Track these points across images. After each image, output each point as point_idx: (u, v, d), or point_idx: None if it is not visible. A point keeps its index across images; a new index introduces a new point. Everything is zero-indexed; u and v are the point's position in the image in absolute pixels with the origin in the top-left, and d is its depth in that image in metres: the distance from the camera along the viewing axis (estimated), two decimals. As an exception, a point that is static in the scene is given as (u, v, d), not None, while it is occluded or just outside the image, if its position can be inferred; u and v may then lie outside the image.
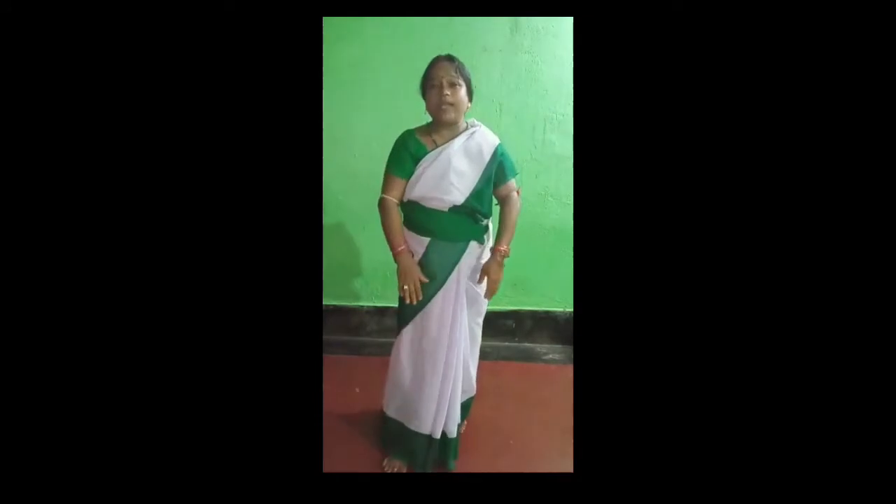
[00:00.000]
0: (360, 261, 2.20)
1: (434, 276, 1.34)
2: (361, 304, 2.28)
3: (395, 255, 1.34)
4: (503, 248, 1.38)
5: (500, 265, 1.39)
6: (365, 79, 1.99)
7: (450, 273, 1.35)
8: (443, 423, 1.43)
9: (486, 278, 1.39)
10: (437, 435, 1.43)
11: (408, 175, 1.31)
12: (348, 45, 1.95)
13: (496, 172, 1.35)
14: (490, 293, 1.40)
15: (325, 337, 2.14)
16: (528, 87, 2.04)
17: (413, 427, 1.44)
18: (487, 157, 1.33)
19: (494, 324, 2.29)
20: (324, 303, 2.21)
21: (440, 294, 1.36)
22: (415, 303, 1.34)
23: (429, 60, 1.31)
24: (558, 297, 2.27)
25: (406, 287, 1.33)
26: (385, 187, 1.33)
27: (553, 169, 2.12)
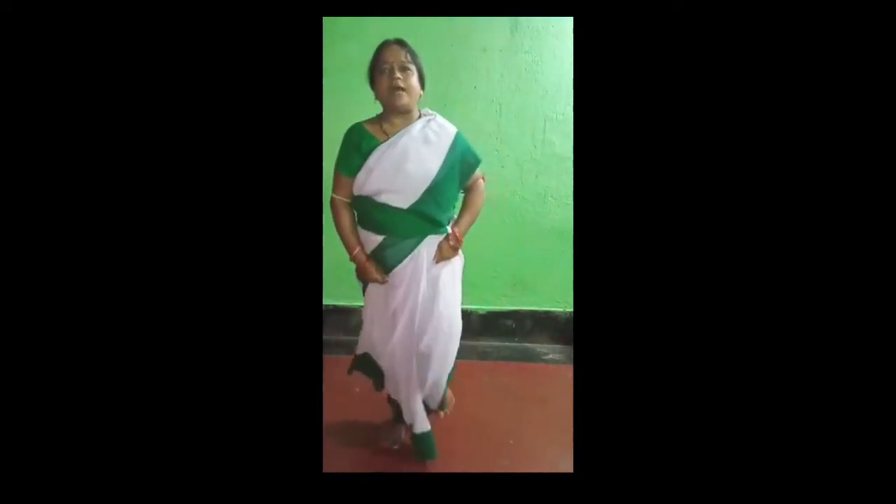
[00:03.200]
0: (359, 261, 2.20)
1: (390, 267, 1.29)
2: (361, 304, 2.27)
3: (351, 258, 1.32)
4: (458, 231, 1.31)
5: (452, 248, 1.31)
6: (364, 79, 1.99)
7: (405, 257, 1.28)
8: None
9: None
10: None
11: (353, 172, 1.24)
12: (348, 45, 1.95)
13: (461, 165, 1.29)
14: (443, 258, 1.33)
15: (325, 337, 2.14)
16: (528, 87, 2.04)
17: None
18: (447, 146, 1.25)
19: (494, 324, 2.29)
20: (324, 303, 2.20)
21: (398, 269, 1.29)
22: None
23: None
24: (558, 297, 2.27)
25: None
26: (333, 185, 1.29)
27: (553, 169, 2.12)
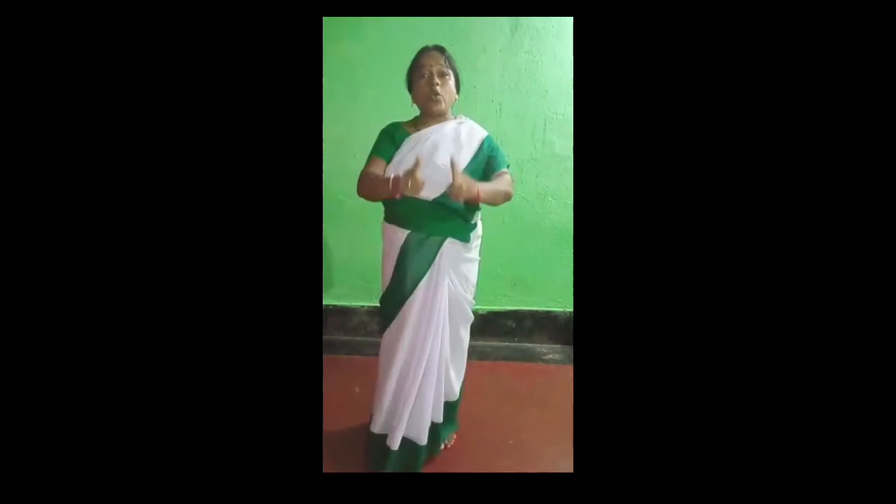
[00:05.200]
0: (360, 261, 2.20)
1: (411, 273, 1.28)
2: (361, 304, 2.28)
3: (390, 184, 1.15)
4: (475, 189, 1.17)
5: (466, 191, 1.14)
6: (364, 79, 2.00)
7: (427, 269, 1.28)
8: (399, 427, 1.35)
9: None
10: (392, 441, 1.35)
11: (388, 156, 1.26)
12: (348, 44, 1.95)
13: (487, 165, 1.31)
14: (453, 193, 1.19)
15: (325, 337, 2.15)
16: (528, 87, 2.04)
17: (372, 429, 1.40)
18: (476, 146, 1.30)
19: (494, 324, 2.29)
20: (324, 303, 2.21)
21: (419, 291, 1.29)
22: (408, 186, 1.12)
23: None
24: (558, 297, 2.27)
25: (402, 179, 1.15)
26: (366, 166, 1.27)
27: (553, 169, 2.12)
